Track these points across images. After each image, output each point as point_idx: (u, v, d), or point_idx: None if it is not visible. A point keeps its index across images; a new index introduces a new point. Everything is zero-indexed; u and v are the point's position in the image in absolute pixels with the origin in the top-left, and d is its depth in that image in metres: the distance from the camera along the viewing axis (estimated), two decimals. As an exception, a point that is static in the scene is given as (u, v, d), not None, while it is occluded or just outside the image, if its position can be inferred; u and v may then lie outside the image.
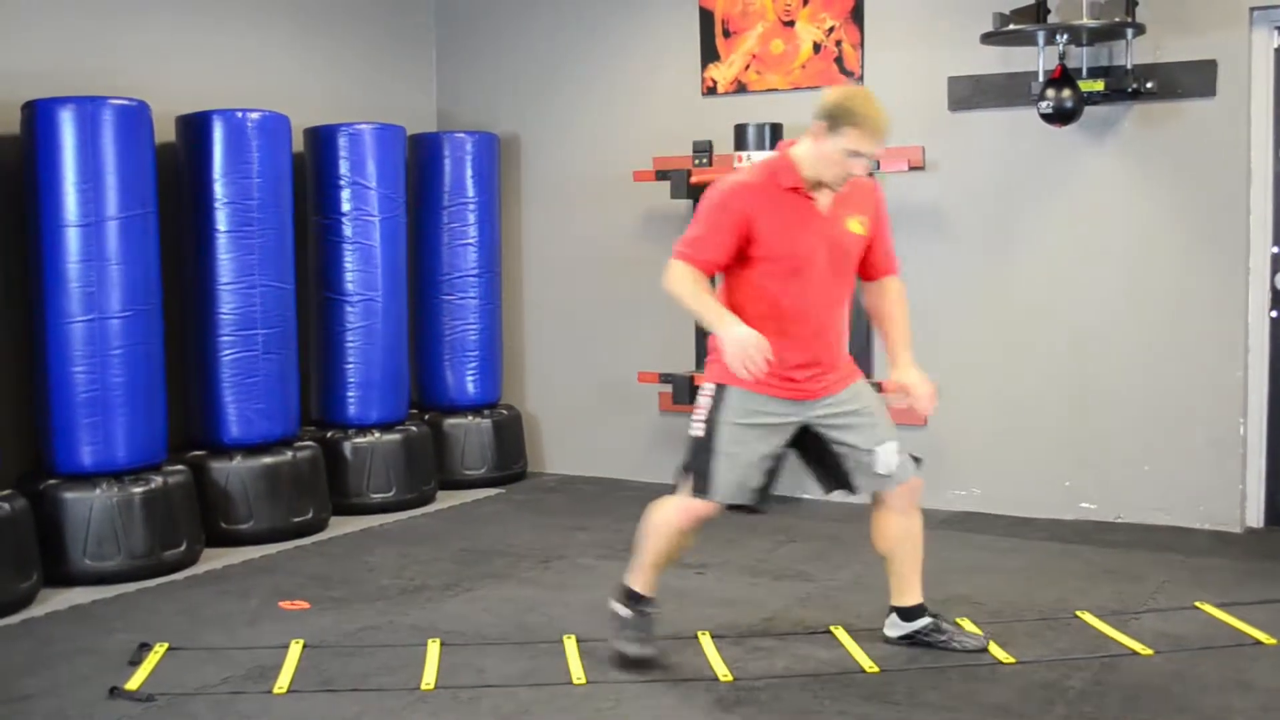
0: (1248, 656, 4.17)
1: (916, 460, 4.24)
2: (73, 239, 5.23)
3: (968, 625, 4.47)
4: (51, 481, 5.30)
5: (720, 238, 3.94)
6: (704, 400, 4.07)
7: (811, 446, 4.15)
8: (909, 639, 4.30)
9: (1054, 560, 5.44)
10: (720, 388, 4.04)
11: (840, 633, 4.43)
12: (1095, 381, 6.10)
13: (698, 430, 4.07)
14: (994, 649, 4.23)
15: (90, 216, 5.24)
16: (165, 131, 5.84)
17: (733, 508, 4.09)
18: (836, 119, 3.86)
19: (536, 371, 7.51)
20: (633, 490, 6.97)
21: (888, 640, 4.33)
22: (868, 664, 4.12)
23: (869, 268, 4.21)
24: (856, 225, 4.06)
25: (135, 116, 5.37)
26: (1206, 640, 4.33)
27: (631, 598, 4.22)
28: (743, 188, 3.98)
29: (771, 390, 4.01)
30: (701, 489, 4.05)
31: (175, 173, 5.94)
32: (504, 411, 7.30)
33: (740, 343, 3.80)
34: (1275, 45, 5.76)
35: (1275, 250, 5.82)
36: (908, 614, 4.31)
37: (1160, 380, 5.96)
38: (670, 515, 4.14)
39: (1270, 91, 5.77)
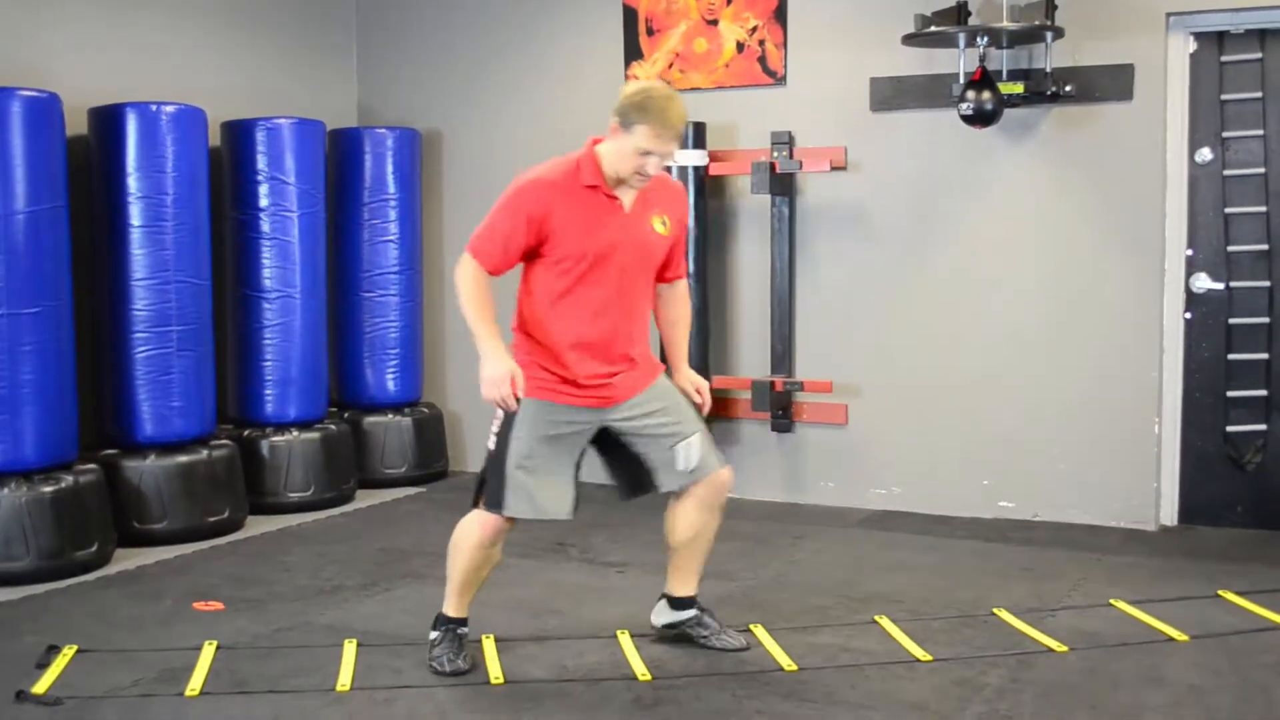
0: (1161, 653, 4.22)
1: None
2: (-20, 232, 5.11)
3: (884, 623, 4.49)
4: (-43, 481, 5.18)
5: (511, 235, 3.88)
6: (498, 414, 4.00)
7: (610, 448, 4.12)
8: (671, 627, 4.30)
9: (972, 558, 5.48)
10: (515, 400, 3.92)
11: (760, 631, 4.42)
12: (1013, 381, 6.16)
13: (491, 443, 4.02)
14: (911, 647, 4.25)
15: (-2, 209, 5.12)
16: (77, 124, 5.72)
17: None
18: (628, 116, 3.82)
19: (458, 370, 7.44)
20: (555, 489, 6.94)
21: (653, 628, 4.34)
22: (787, 663, 4.12)
23: (663, 270, 4.17)
24: (659, 225, 4.03)
25: (45, 108, 5.25)
26: (1121, 637, 4.38)
27: (443, 621, 4.16)
28: (539, 184, 3.92)
29: (569, 399, 3.97)
30: (494, 503, 3.99)
31: (88, 166, 5.82)
32: (425, 410, 7.24)
33: (493, 381, 3.80)
34: (1191, 50, 5.85)
35: (1190, 253, 5.91)
36: (677, 603, 4.30)
37: (1077, 380, 6.04)
38: (470, 531, 4.07)
39: (1185, 96, 5.86)
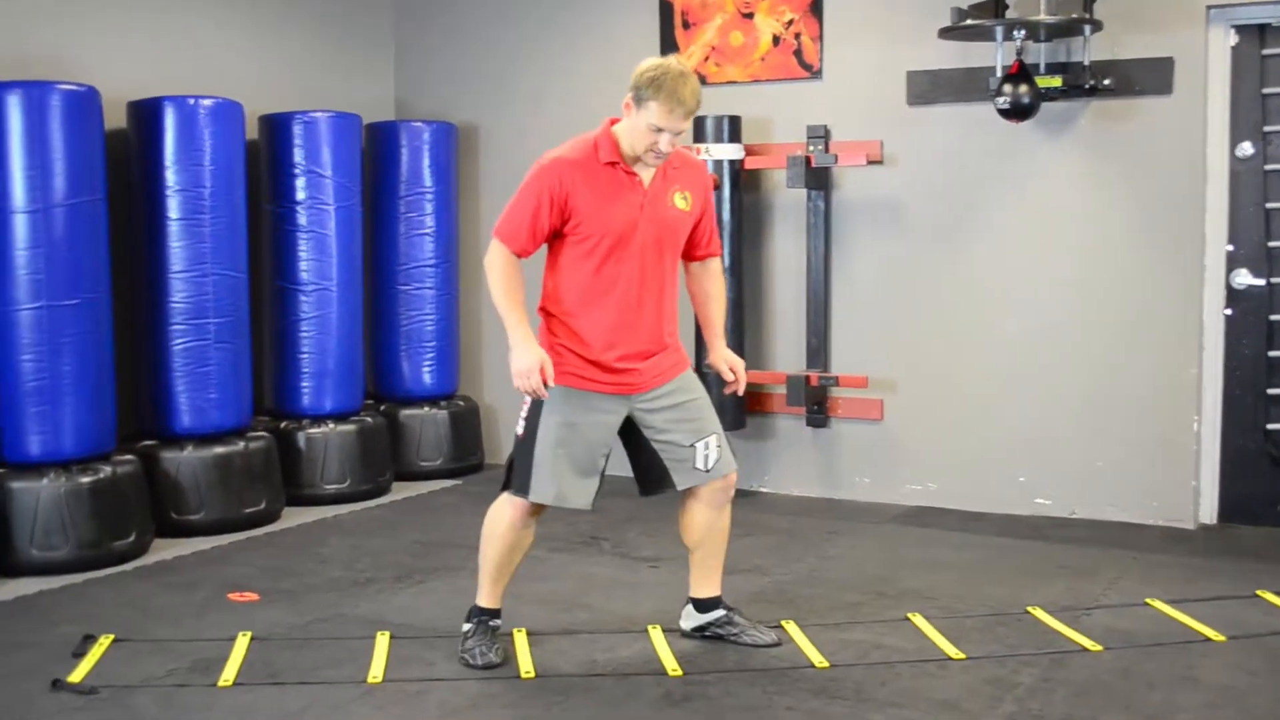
0: (1196, 653, 4.19)
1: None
2: (20, 226, 5.15)
3: (917, 620, 4.47)
4: (-2, 470, 5.24)
5: (535, 215, 3.89)
6: (526, 399, 4.02)
7: (634, 441, 4.13)
8: (701, 630, 4.30)
9: (1007, 556, 5.44)
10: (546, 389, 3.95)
11: (791, 627, 4.41)
12: (1051, 377, 6.12)
13: (520, 429, 4.03)
14: (943, 644, 4.23)
15: (38, 203, 5.16)
16: (116, 117, 5.77)
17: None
18: (641, 92, 3.82)
19: (494, 363, 7.46)
20: (589, 483, 6.95)
21: (683, 634, 4.33)
22: (818, 659, 4.11)
23: (692, 247, 4.17)
24: (682, 201, 4.02)
25: (84, 102, 5.30)
26: (1156, 637, 4.34)
27: (476, 612, 4.18)
28: (560, 164, 3.92)
29: (595, 386, 3.98)
30: (521, 488, 4.01)
31: (126, 159, 5.87)
32: (461, 403, 7.26)
33: (524, 372, 3.81)
34: (1231, 44, 5.78)
35: (1230, 248, 5.85)
36: (703, 605, 4.30)
37: (1116, 377, 5.98)
38: (500, 515, 4.10)
39: (1226, 89, 5.79)
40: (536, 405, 3.97)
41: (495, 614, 4.18)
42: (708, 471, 4.09)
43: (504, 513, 4.09)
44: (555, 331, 4.00)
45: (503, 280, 3.91)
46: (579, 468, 4.00)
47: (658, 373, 4.04)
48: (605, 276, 3.93)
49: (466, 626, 4.18)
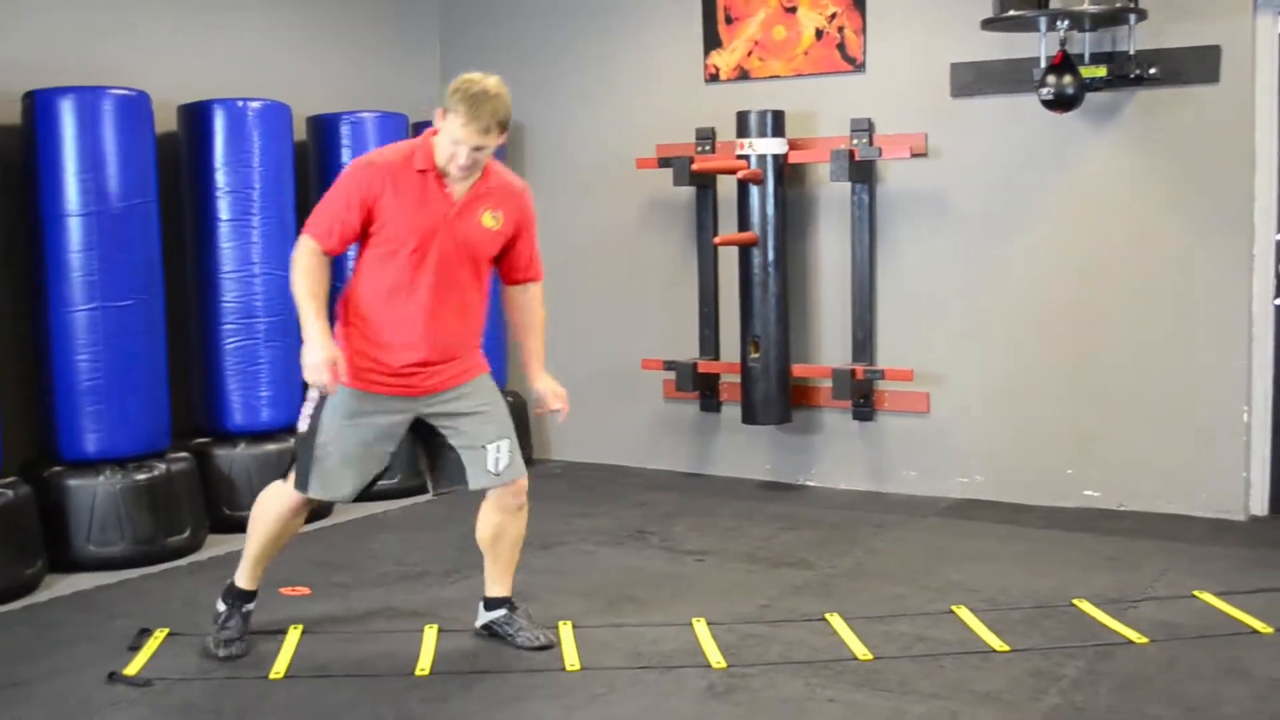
0: (1244, 645, 4.16)
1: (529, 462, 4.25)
2: (74, 228, 5.25)
3: (962, 613, 4.47)
4: (56, 468, 5.34)
5: (343, 215, 3.92)
6: (312, 395, 4.05)
7: (425, 440, 4.16)
8: (486, 628, 4.35)
9: (1054, 548, 5.43)
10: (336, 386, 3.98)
11: (836, 620, 4.43)
12: (1098, 368, 6.09)
13: (303, 425, 4.07)
14: (988, 637, 4.23)
15: (91, 206, 5.26)
16: (166, 121, 5.86)
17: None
18: (449, 101, 3.83)
19: (541, 359, 7.51)
20: (636, 477, 7.00)
21: (475, 632, 4.38)
22: (861, 652, 4.13)
23: (510, 271, 4.21)
24: (490, 220, 4.02)
25: (135, 106, 5.39)
26: (1203, 629, 4.32)
27: (233, 593, 4.27)
28: (373, 166, 3.96)
29: (380, 388, 4.01)
30: (300, 483, 4.07)
31: (177, 162, 5.96)
32: (510, 398, 7.26)
33: (314, 367, 3.84)
34: (1279, 30, 5.73)
35: (1279, 238, 5.79)
36: (489, 604, 4.35)
37: (1164, 367, 5.95)
38: (274, 502, 4.18)
39: (1274, 77, 5.73)
40: (321, 402, 4.02)
41: (252, 596, 4.28)
42: (498, 475, 4.11)
43: (279, 500, 4.17)
44: (349, 332, 4.05)
45: (305, 275, 3.94)
46: (357, 465, 4.06)
47: (450, 375, 4.07)
48: (402, 281, 3.96)
49: (221, 607, 4.26)
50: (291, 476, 4.12)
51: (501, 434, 4.13)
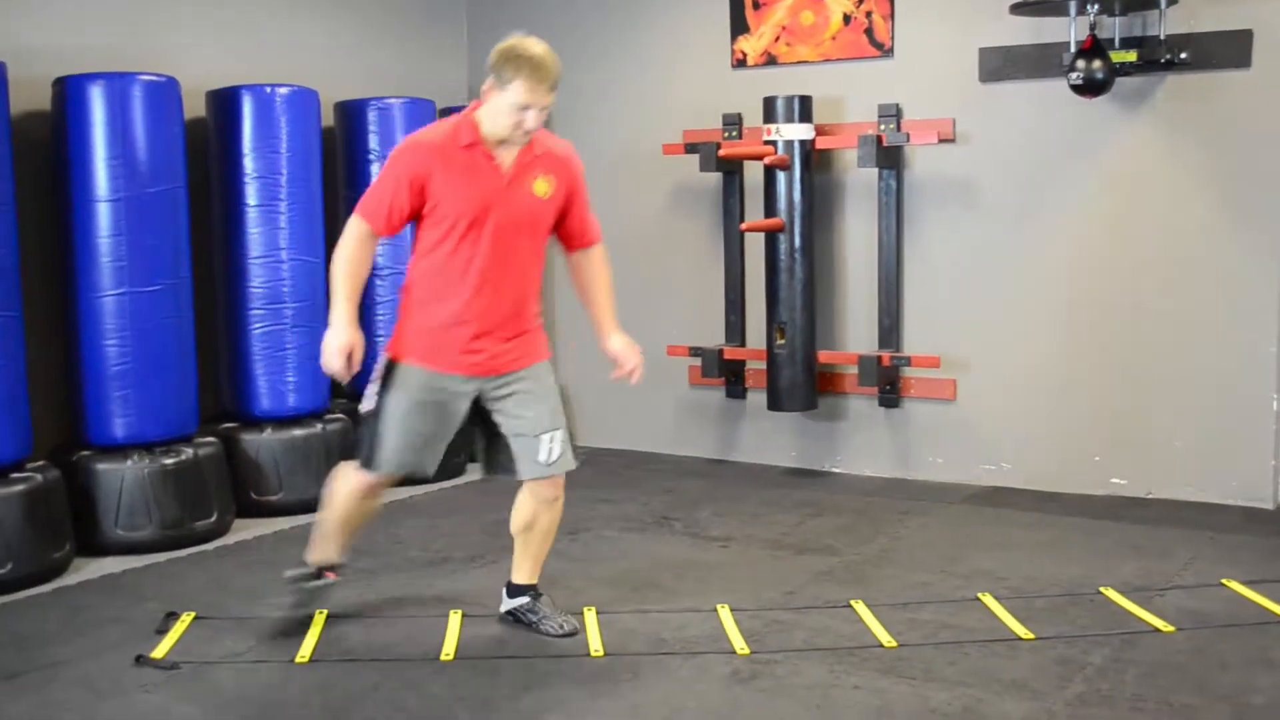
0: (1272, 635, 4.14)
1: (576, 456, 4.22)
2: (103, 214, 5.28)
3: (987, 600, 4.46)
4: (84, 453, 5.38)
5: (395, 197, 3.92)
6: (376, 375, 4.07)
7: (483, 424, 4.16)
8: (510, 614, 4.35)
9: (1081, 536, 5.40)
10: (392, 364, 4.02)
11: (860, 607, 4.42)
12: (1127, 356, 6.05)
13: (367, 405, 4.08)
14: (1013, 624, 4.22)
15: (120, 191, 5.29)
16: (195, 107, 5.88)
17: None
18: (501, 73, 3.82)
19: (566, 345, 7.52)
20: (662, 463, 7.01)
21: (499, 618, 4.38)
22: (886, 639, 4.12)
23: (568, 238, 4.18)
24: (542, 187, 4.01)
25: (165, 92, 5.41)
26: (1231, 618, 4.29)
27: (304, 567, 4.35)
28: (419, 146, 3.95)
29: (444, 366, 4.01)
30: (368, 462, 4.09)
31: (205, 147, 5.99)
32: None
33: (331, 350, 3.89)
34: (1312, 15, 5.67)
35: (1311, 223, 5.75)
36: (513, 590, 4.35)
37: (1193, 355, 5.91)
38: (346, 484, 4.20)
39: (1307, 62, 5.68)
40: (386, 381, 4.04)
41: (336, 568, 4.35)
42: (548, 466, 4.10)
43: (348, 486, 4.19)
44: (412, 311, 4.05)
45: (346, 259, 3.96)
46: (425, 444, 4.07)
47: (512, 358, 4.06)
48: (460, 258, 3.95)
49: (298, 572, 4.33)
50: (360, 459, 4.14)
51: (555, 424, 4.11)
